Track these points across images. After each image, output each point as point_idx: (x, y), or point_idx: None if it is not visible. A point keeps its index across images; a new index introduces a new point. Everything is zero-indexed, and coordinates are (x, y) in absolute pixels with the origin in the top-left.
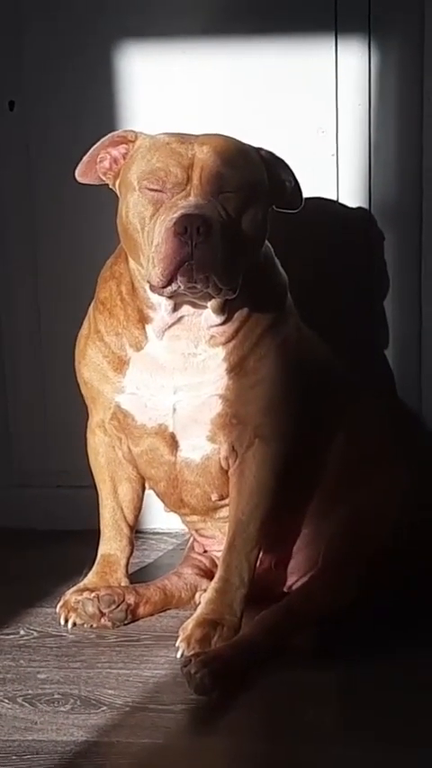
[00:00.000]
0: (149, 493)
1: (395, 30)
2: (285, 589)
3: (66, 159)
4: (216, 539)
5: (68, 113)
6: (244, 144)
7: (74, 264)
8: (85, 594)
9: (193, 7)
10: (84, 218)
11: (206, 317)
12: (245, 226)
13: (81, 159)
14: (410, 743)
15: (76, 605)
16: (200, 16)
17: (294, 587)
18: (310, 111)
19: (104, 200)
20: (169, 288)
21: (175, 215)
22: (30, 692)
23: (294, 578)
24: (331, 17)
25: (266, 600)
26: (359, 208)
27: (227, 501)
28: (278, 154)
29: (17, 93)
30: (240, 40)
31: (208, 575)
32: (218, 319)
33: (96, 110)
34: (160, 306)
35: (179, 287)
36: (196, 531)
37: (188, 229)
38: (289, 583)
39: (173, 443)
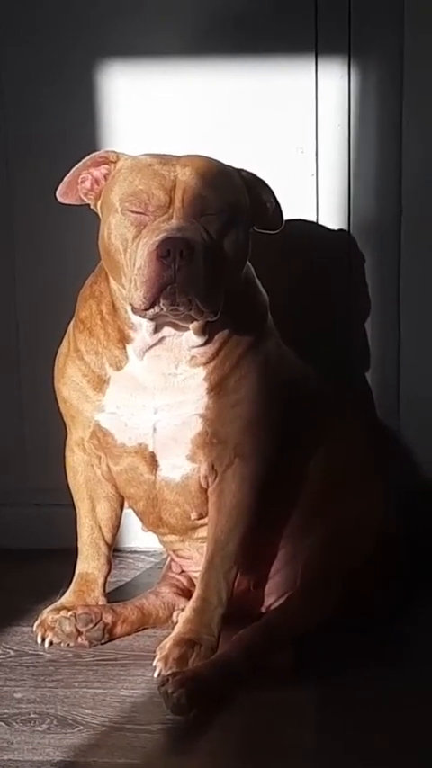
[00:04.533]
0: (128, 512)
1: (375, 51)
2: (264, 610)
3: (46, 178)
4: (194, 559)
5: (50, 133)
6: (225, 165)
7: (54, 283)
8: (63, 613)
9: (175, 27)
10: (64, 237)
11: (187, 339)
12: (227, 247)
13: (62, 179)
14: (388, 761)
15: (53, 624)
16: (181, 36)
17: (273, 607)
18: (290, 131)
19: (85, 219)
20: (152, 310)
21: (158, 238)
22: (6, 711)
23: (273, 599)
24: (311, 38)
25: (245, 620)
26: (339, 228)
27: (206, 520)
28: (258, 173)
29: None
30: (221, 61)
31: (186, 594)
32: (199, 340)
33: (77, 129)
34: (141, 326)
35: (161, 309)
36: (174, 551)
37: (171, 252)
38: (267, 603)
39: (153, 463)
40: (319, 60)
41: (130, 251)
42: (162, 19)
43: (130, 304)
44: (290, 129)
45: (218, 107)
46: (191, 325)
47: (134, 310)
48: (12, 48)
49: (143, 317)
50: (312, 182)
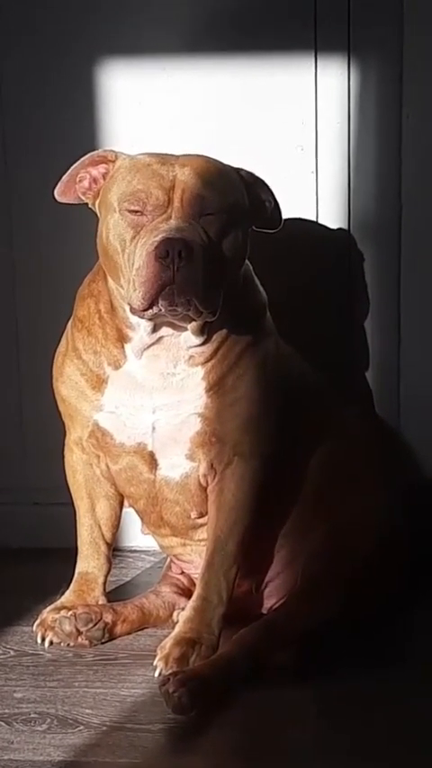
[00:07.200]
0: (127, 511)
1: (375, 48)
2: (264, 611)
3: (45, 177)
4: (194, 564)
5: (48, 132)
6: (224, 165)
7: (53, 281)
8: (63, 613)
9: (174, 25)
10: (63, 236)
11: (185, 338)
12: (225, 248)
13: (61, 178)
14: (390, 760)
15: (53, 624)
16: (180, 34)
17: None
18: (290, 129)
19: (84, 218)
20: (150, 311)
21: (157, 238)
22: (6, 711)
23: (273, 600)
24: (311, 36)
25: (245, 621)
26: (338, 227)
27: (206, 519)
28: (258, 171)
29: None
30: (221, 59)
31: (186, 593)
32: (197, 340)
33: (76, 128)
34: (139, 326)
35: (160, 310)
36: (175, 556)
37: (170, 253)
38: (268, 605)
39: (152, 462)
40: (318, 58)
41: (128, 251)
42: (160, 17)
43: (129, 304)
44: (289, 126)
45: (217, 105)
46: (189, 326)
47: (132, 310)
48: (10, 47)
49: (142, 317)
50: (312, 180)
